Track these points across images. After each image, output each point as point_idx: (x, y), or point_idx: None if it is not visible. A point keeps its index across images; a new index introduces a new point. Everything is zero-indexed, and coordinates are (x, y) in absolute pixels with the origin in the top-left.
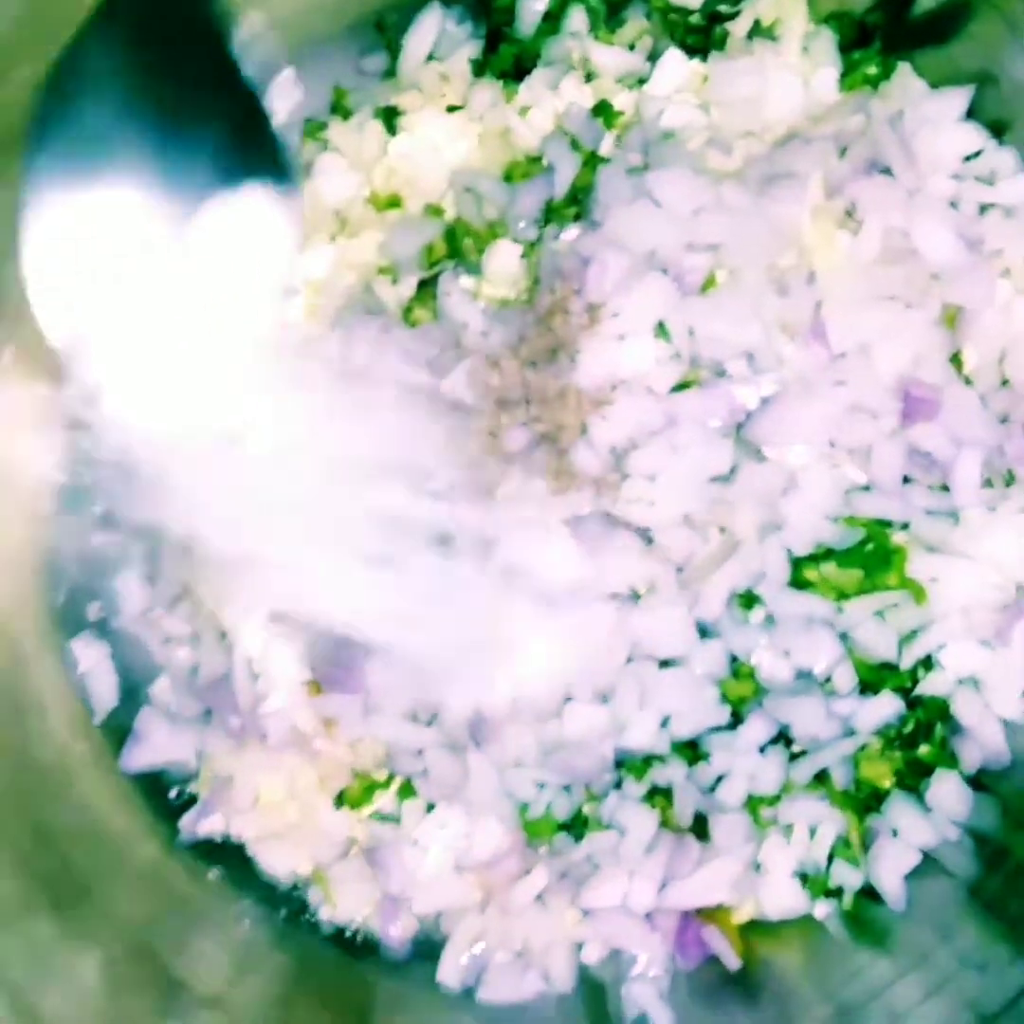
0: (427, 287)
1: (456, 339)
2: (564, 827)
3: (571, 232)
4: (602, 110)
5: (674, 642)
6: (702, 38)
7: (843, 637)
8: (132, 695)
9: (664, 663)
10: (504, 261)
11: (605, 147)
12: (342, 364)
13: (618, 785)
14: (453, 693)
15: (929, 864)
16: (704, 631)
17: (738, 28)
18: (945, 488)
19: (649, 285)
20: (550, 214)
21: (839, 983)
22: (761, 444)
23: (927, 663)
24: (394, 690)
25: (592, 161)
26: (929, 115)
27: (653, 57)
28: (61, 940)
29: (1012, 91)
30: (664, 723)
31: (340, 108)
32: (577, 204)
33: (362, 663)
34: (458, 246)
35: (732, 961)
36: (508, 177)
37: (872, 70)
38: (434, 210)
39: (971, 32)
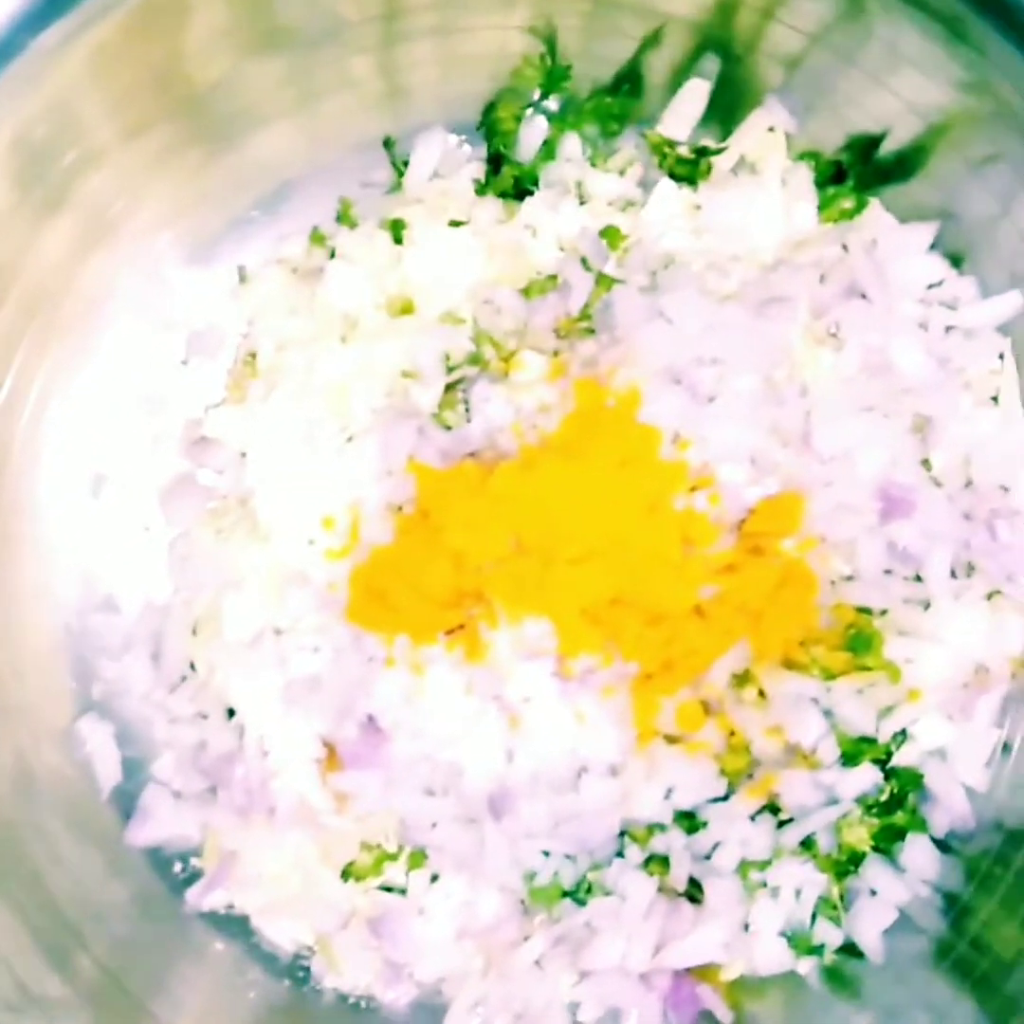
0: (450, 390)
1: (493, 441)
2: (567, 894)
3: (588, 345)
4: (608, 233)
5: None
6: (690, 169)
7: (826, 713)
8: (134, 770)
9: (669, 739)
10: (530, 371)
11: (608, 266)
12: (382, 463)
13: (620, 853)
14: (474, 768)
15: (902, 923)
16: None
17: (723, 162)
18: (918, 578)
19: (669, 397)
20: (566, 328)
21: None
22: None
23: (901, 736)
24: (416, 765)
25: (602, 280)
26: (899, 246)
27: (643, 184)
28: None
29: (969, 226)
30: (667, 794)
31: (346, 218)
32: (587, 318)
33: (387, 740)
34: (480, 354)
35: (725, 1016)
36: (526, 292)
37: (847, 204)
38: (453, 318)
39: (932, 171)
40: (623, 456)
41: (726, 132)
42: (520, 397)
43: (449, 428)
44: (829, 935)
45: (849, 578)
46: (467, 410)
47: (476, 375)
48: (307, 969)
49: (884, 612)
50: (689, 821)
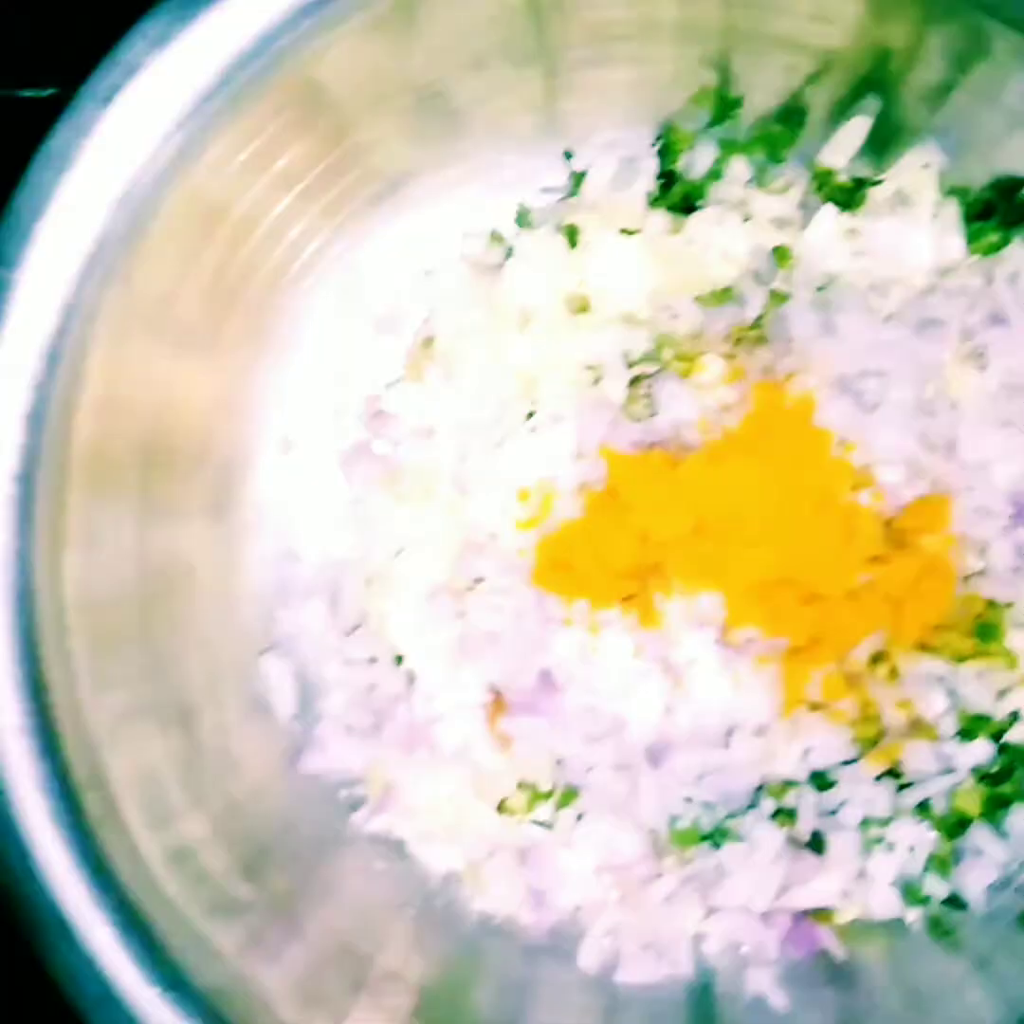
0: (632, 386)
1: (678, 434)
2: (705, 837)
3: (764, 353)
4: (778, 252)
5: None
6: (848, 196)
7: (950, 692)
8: (305, 706)
9: (812, 706)
10: (712, 372)
11: (776, 282)
12: (577, 446)
13: (753, 805)
14: (636, 720)
15: (1002, 883)
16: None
17: (879, 192)
18: None
19: (838, 404)
20: (740, 336)
21: (918, 978)
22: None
23: (1014, 716)
24: (583, 715)
25: (773, 295)
26: None
27: (802, 206)
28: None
29: None
30: (804, 755)
31: (524, 220)
32: (759, 327)
33: (556, 690)
34: (659, 354)
35: (840, 953)
36: (702, 301)
37: (992, 239)
38: (631, 319)
39: None
40: (797, 455)
41: (876, 163)
42: (703, 396)
43: (637, 420)
44: (936, 888)
45: (981, 573)
46: (649, 405)
47: (657, 373)
48: (457, 894)
49: (1010, 605)
50: (820, 780)
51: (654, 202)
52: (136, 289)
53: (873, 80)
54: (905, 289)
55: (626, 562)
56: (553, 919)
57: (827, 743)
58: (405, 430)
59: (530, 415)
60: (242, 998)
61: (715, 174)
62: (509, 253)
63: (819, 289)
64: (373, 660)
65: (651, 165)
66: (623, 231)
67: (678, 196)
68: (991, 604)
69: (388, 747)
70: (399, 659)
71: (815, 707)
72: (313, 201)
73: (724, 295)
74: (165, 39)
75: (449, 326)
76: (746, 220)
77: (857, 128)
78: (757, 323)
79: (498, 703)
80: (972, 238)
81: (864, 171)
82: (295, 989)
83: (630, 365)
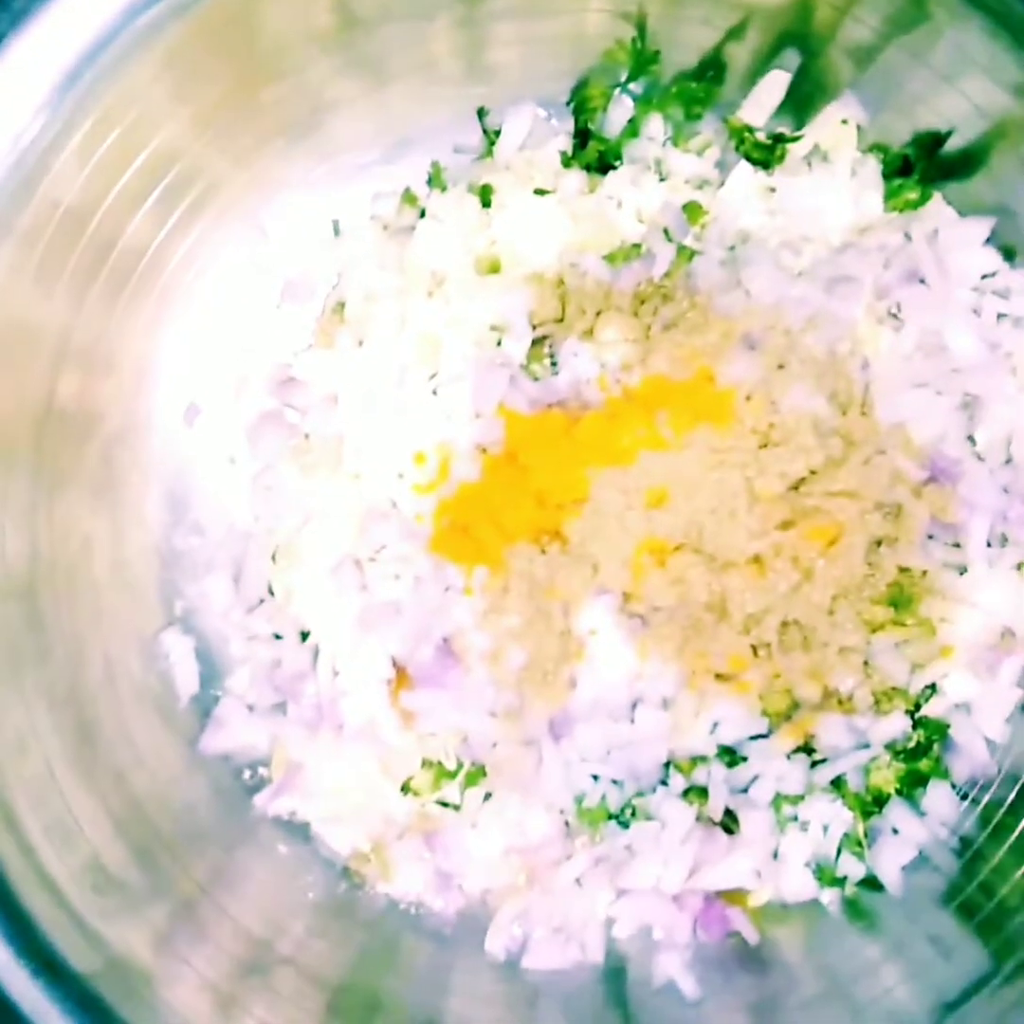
0: (536, 345)
1: (578, 393)
2: (613, 817)
3: (669, 310)
4: (690, 208)
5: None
6: (766, 154)
7: (864, 664)
8: (209, 684)
9: (719, 677)
10: (615, 330)
11: (688, 240)
12: (473, 407)
13: (664, 782)
14: (538, 693)
15: (919, 863)
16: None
17: (798, 149)
18: (956, 545)
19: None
20: (648, 294)
21: (835, 961)
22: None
23: (930, 689)
24: (484, 688)
25: (683, 252)
26: (958, 238)
27: (720, 165)
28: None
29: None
30: (712, 729)
31: (437, 181)
32: (668, 286)
33: (457, 662)
34: (566, 312)
35: (752, 936)
36: (610, 258)
37: (911, 196)
38: (539, 279)
39: (991, 169)
40: (699, 414)
41: (798, 121)
42: (605, 354)
43: (537, 379)
44: (852, 869)
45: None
46: (553, 364)
47: (561, 332)
48: (362, 875)
49: (924, 574)
50: (730, 755)
51: (569, 161)
52: (27, 240)
53: (797, 35)
54: (819, 247)
55: (524, 526)
56: (461, 903)
57: (735, 716)
58: (314, 398)
59: (433, 378)
60: (126, 982)
61: (631, 132)
62: (421, 214)
63: (731, 248)
64: (278, 636)
65: (567, 125)
66: (537, 191)
67: (593, 155)
68: (905, 571)
69: (293, 725)
70: (305, 635)
71: (721, 678)
72: (222, 150)
73: (632, 251)
74: None
75: (359, 290)
76: (663, 180)
77: (776, 82)
78: (664, 280)
79: (402, 677)
80: (891, 195)
81: (784, 129)
82: (192, 978)
83: (535, 325)
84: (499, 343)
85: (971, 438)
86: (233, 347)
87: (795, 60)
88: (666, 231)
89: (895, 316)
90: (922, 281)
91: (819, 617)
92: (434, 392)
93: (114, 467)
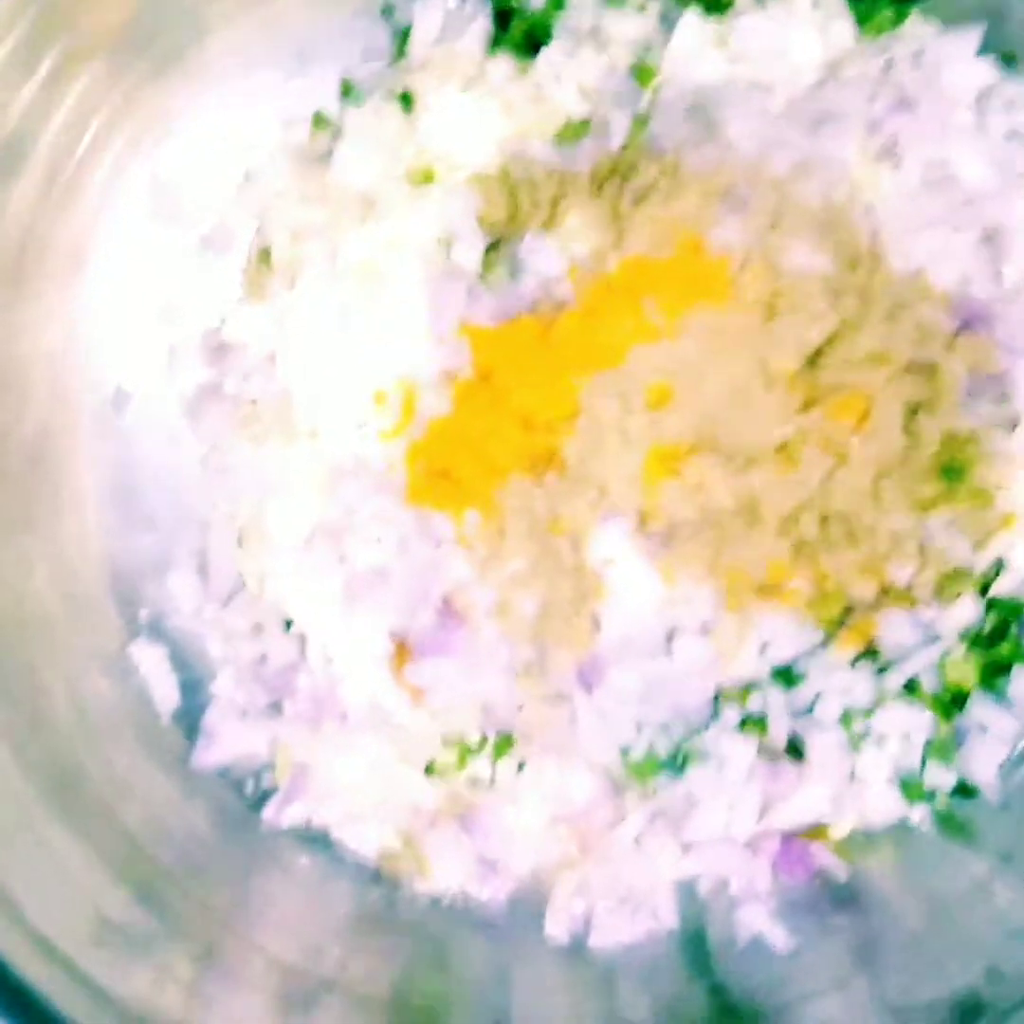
0: (491, 252)
1: (548, 294)
2: (664, 765)
3: (638, 181)
4: (638, 70)
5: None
6: None
7: (920, 549)
8: (193, 692)
9: (762, 591)
10: (578, 216)
11: (641, 106)
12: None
13: (715, 717)
14: (559, 642)
15: (1014, 759)
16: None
17: None
18: (1003, 398)
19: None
20: (608, 170)
21: (937, 886)
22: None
23: (998, 566)
24: (497, 646)
25: (638, 121)
26: (945, 53)
27: (664, 20)
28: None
29: (1018, 23)
30: (762, 650)
31: (352, 95)
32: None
33: (462, 622)
34: (519, 208)
35: (841, 872)
36: (558, 139)
37: (887, 15)
38: (481, 178)
39: None
40: (690, 291)
41: None
42: (571, 245)
43: (497, 288)
44: (941, 779)
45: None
46: (513, 269)
47: (516, 231)
48: (396, 875)
49: (972, 436)
50: (786, 676)
51: (493, 47)
52: None
53: None
54: (792, 87)
55: (512, 456)
56: (511, 889)
57: (785, 631)
58: (253, 360)
59: (380, 310)
60: None
61: (557, 3)
62: (337, 135)
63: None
64: (258, 628)
65: (484, 8)
66: (462, 87)
67: (519, 35)
68: (950, 437)
69: (292, 723)
70: (289, 623)
71: (763, 591)
72: (112, 88)
73: (581, 128)
74: None
75: (283, 231)
76: (602, 50)
77: None
78: (624, 152)
79: (402, 651)
80: (862, 19)
81: None
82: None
83: (486, 230)
84: (448, 257)
85: (999, 274)
86: (153, 319)
87: None
88: (616, 97)
89: (892, 152)
90: (913, 107)
91: (862, 504)
92: (383, 324)
93: (42, 473)
